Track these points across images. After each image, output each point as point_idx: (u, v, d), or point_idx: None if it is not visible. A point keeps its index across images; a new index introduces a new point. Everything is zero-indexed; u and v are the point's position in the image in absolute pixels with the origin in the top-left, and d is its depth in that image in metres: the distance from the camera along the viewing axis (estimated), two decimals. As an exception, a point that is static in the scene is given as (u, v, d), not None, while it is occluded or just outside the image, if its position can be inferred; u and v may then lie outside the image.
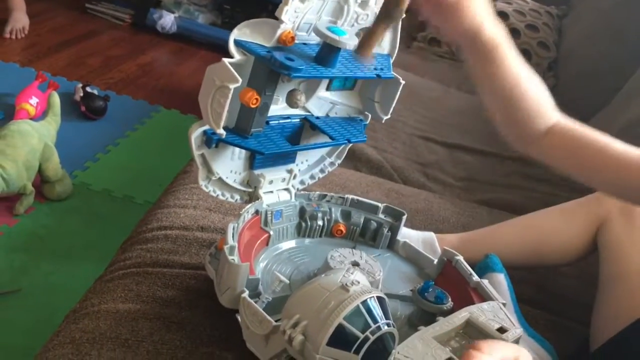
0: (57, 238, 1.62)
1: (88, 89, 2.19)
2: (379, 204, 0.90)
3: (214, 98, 0.68)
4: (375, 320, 0.60)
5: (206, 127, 0.72)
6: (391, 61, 0.85)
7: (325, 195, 0.89)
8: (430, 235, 1.05)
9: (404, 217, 0.90)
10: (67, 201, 1.74)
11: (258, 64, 0.71)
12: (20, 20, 2.61)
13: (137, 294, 0.79)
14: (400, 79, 0.84)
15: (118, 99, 2.33)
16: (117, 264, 0.87)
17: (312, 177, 0.92)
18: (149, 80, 2.59)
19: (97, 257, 1.12)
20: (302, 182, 0.91)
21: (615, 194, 0.83)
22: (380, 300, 0.62)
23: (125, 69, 2.62)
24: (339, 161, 0.94)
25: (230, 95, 0.66)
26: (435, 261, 0.87)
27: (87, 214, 1.72)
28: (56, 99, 1.85)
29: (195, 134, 0.72)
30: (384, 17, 0.70)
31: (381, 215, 0.90)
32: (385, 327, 0.60)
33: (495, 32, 0.72)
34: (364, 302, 0.60)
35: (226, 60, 0.68)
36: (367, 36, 0.72)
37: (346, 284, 0.61)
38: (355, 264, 0.79)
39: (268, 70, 0.71)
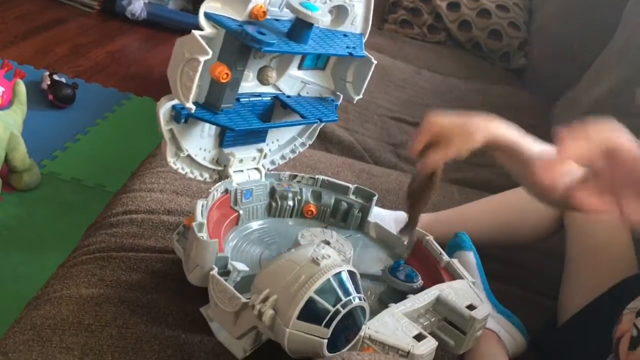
0: (26, 228, 1.58)
1: (55, 77, 2.14)
2: (350, 185, 0.89)
3: (183, 71, 0.66)
4: (346, 294, 0.59)
5: (175, 102, 0.70)
6: (363, 40, 0.84)
7: (295, 176, 0.89)
8: (402, 214, 1.04)
9: (375, 198, 0.89)
10: (36, 191, 1.70)
11: (229, 37, 0.70)
12: (-17, 7, 2.54)
13: (101, 279, 0.78)
14: (372, 58, 0.84)
15: (87, 87, 2.28)
16: (81, 250, 0.85)
17: (282, 157, 0.91)
18: (119, 67, 2.53)
19: (67, 247, 1.10)
20: (272, 162, 0.90)
21: None
22: (351, 274, 0.61)
23: (94, 56, 2.56)
24: (310, 142, 0.93)
25: (199, 68, 0.65)
26: (406, 241, 0.87)
27: (56, 204, 1.69)
28: (22, 87, 1.80)
29: (164, 109, 0.70)
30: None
31: (352, 196, 0.90)
32: (357, 301, 0.60)
33: (504, 134, 0.77)
34: (335, 276, 0.59)
35: (196, 32, 0.66)
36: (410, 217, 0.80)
37: (317, 258, 0.60)
38: (326, 243, 0.78)
39: (239, 45, 0.70)
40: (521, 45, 2.03)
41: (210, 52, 0.65)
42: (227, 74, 0.68)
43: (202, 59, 0.64)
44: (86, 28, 2.79)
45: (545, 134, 1.65)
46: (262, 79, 0.78)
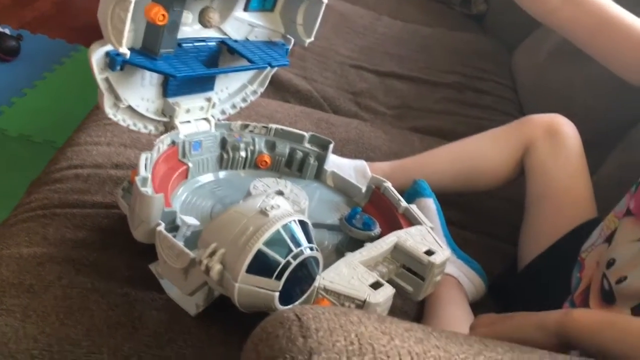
0: (-30, 187, 1.52)
1: (-2, 28, 2.03)
2: (305, 133, 0.86)
3: (114, 13, 0.62)
4: (297, 245, 0.57)
5: (109, 48, 0.65)
6: (312, -21, 0.80)
7: (247, 125, 0.85)
8: (362, 163, 1.03)
9: (331, 146, 0.87)
10: (-19, 148, 1.64)
11: (162, -25, 0.65)
12: None
13: (44, 237, 0.74)
14: (323, -4, 0.79)
15: (33, 39, 2.17)
16: (22, 207, 0.81)
17: (233, 106, 0.87)
18: (67, 18, 2.42)
19: (13, 206, 1.06)
20: (222, 112, 0.86)
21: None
22: (302, 223, 0.59)
23: (39, 6, 2.43)
24: (262, 89, 0.89)
25: (131, 9, 0.60)
26: (364, 189, 0.84)
27: (2, 161, 1.62)
28: (-39, 38, 1.70)
29: (97, 55, 0.65)
30: None
31: (307, 145, 0.86)
32: (308, 251, 0.57)
33: None
34: (285, 226, 0.57)
35: (124, -30, 0.61)
36: None
37: (265, 209, 0.57)
38: (280, 193, 0.75)
39: (174, -18, 0.65)
40: (482, -10, 2.00)
41: (142, -9, 0.60)
42: (163, 15, 0.63)
43: (133, -2, 0.59)
44: (29, -24, 2.64)
45: (504, 80, 1.65)
46: (203, 21, 0.73)
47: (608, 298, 0.73)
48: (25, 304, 0.65)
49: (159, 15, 0.64)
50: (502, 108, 1.48)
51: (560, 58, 1.43)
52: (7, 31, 2.05)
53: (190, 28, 0.75)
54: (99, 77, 0.67)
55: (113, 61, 0.66)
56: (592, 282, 0.77)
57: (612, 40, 0.80)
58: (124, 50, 0.63)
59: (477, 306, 0.90)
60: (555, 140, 0.97)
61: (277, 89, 1.27)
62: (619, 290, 0.71)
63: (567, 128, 0.99)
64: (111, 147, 0.92)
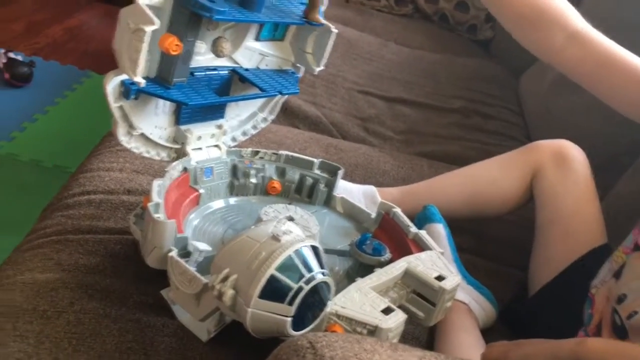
0: (-18, 212, 1.53)
1: (11, 54, 2.07)
2: (314, 160, 0.87)
3: (130, 43, 0.63)
4: (309, 270, 0.57)
5: (124, 77, 0.67)
6: (322, 9, 0.81)
7: (258, 152, 0.86)
8: (371, 188, 1.03)
9: (340, 172, 0.87)
10: (-7, 173, 1.65)
11: (178, 6, 0.66)
12: None
13: (57, 263, 0.74)
14: (332, 27, 0.81)
15: (45, 65, 2.21)
16: (36, 233, 0.82)
17: (244, 133, 0.88)
18: (78, 44, 2.46)
19: (25, 231, 1.07)
20: (233, 139, 0.87)
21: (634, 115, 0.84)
22: (314, 249, 0.59)
23: (51, 33, 2.48)
24: (272, 117, 0.90)
25: (146, 39, 0.61)
26: (373, 215, 0.85)
27: (14, 186, 1.63)
28: (-25, 65, 1.73)
29: (112, 84, 0.67)
30: None
31: (317, 171, 0.87)
32: (320, 277, 0.58)
33: None
34: (297, 252, 0.57)
35: (141, 1, 0.62)
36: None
37: (277, 234, 0.58)
38: (291, 219, 0.76)
39: (189, 13, 0.66)
40: (488, 17, 2.02)
41: (158, 22, 0.61)
42: (177, 45, 0.65)
43: (149, 29, 0.60)
44: (42, 5, 2.69)
45: (511, 105, 1.65)
46: (216, 50, 0.75)
47: (620, 333, 0.72)
48: (38, 329, 0.66)
49: (173, 45, 0.65)
50: (509, 133, 1.49)
51: (567, 83, 1.43)
52: (19, 58, 2.09)
53: (202, 57, 0.76)
54: (114, 105, 0.68)
55: (128, 90, 0.67)
56: (603, 317, 0.76)
57: (615, 80, 0.81)
58: (139, 79, 0.64)
59: (488, 332, 0.89)
60: (564, 165, 0.97)
61: (287, 115, 1.28)
62: (630, 325, 0.71)
63: (575, 153, 0.99)
64: (123, 173, 0.93)
